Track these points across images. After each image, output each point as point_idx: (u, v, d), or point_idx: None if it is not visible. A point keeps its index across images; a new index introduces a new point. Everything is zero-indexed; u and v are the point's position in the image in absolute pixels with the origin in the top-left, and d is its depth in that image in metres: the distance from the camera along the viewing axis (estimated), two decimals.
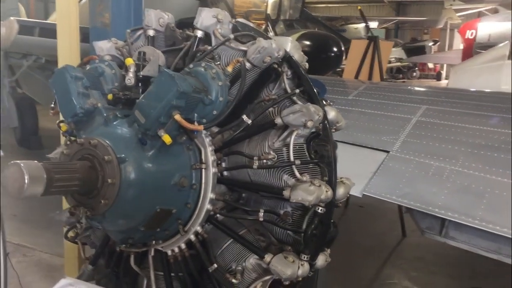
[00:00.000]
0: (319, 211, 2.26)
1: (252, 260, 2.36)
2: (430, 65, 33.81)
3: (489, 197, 3.49)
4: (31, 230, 5.55)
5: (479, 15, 29.67)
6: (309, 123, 2.22)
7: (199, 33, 2.48)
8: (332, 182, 2.31)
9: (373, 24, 29.53)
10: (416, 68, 32.04)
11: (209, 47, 2.42)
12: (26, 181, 1.88)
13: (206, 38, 2.51)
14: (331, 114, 2.44)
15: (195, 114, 2.23)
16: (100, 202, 2.11)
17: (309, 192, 2.16)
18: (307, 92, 2.40)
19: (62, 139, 3.03)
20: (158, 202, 2.25)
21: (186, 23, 2.79)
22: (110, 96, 2.39)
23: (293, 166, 2.24)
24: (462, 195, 3.53)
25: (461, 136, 4.17)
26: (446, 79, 32.85)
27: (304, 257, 2.28)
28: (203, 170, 2.31)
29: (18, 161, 1.93)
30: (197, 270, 2.46)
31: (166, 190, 2.26)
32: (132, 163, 2.16)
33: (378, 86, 5.65)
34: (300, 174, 2.24)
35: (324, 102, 2.48)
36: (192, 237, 2.38)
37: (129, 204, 2.16)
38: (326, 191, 2.21)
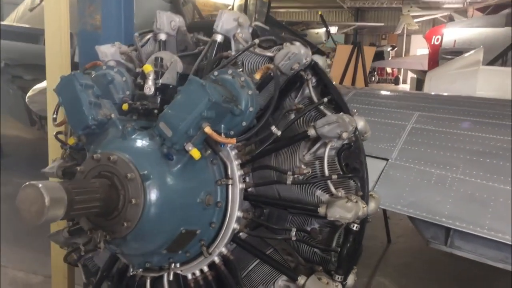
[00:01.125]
0: (354, 228, 2.11)
1: (281, 282, 2.20)
2: (388, 70, 34.52)
3: (494, 205, 3.44)
4: (3, 247, 5.18)
5: (434, 22, 30.51)
6: (344, 134, 2.07)
7: (219, 38, 2.29)
8: (366, 197, 2.18)
9: (333, 29, 29.81)
10: (375, 73, 32.62)
11: (232, 53, 2.24)
12: (47, 204, 1.65)
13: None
14: (360, 124, 2.30)
15: (222, 126, 2.04)
16: (122, 225, 1.90)
17: (347, 209, 2.02)
18: (335, 100, 2.25)
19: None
20: (183, 222, 2.05)
21: (195, 27, 2.60)
22: (125, 106, 2.18)
23: (329, 182, 2.08)
24: (467, 203, 3.48)
25: (458, 142, 4.13)
26: (403, 83, 33.63)
27: (338, 278, 2.13)
28: (230, 186, 2.13)
29: (34, 182, 1.70)
30: None
31: (191, 209, 2.06)
32: (156, 180, 1.95)
33: (366, 92, 5.57)
34: (335, 189, 2.10)
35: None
36: (216, 259, 2.19)
37: (153, 226, 1.96)
38: (363, 207, 2.08)
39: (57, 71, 3.21)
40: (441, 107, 4.86)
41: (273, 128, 2.12)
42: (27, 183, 1.71)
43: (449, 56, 11.52)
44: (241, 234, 2.22)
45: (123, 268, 2.40)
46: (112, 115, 2.17)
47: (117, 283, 2.46)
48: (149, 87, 2.10)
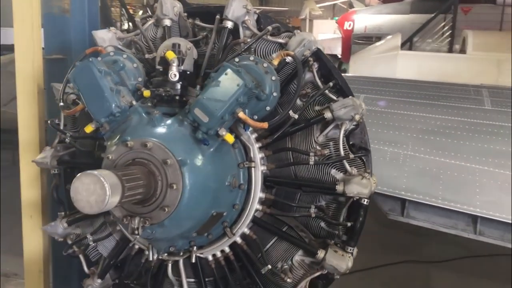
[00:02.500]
0: (365, 203, 2.28)
1: (297, 257, 2.33)
2: None
3: (444, 178, 3.80)
4: None
5: (334, 7, 31.71)
6: (357, 117, 2.24)
7: (229, 24, 2.34)
8: (371, 174, 2.36)
9: None
10: None
11: (247, 40, 2.30)
12: (108, 192, 1.65)
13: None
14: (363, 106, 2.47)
15: (246, 111, 2.12)
16: (163, 210, 1.93)
17: (363, 185, 2.19)
18: (339, 85, 2.39)
19: None
20: (213, 205, 2.12)
21: (190, 13, 2.61)
22: (147, 93, 2.17)
23: (344, 161, 2.24)
24: (420, 177, 3.80)
25: (404, 122, 4.49)
26: None
27: (350, 250, 2.30)
28: (252, 168, 2.21)
29: (90, 171, 1.69)
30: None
31: (221, 192, 2.13)
32: (192, 165, 2.00)
33: None
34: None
35: None
36: (238, 239, 2.28)
37: (189, 210, 2.00)
38: (374, 183, 2.26)
39: (29, 58, 3.07)
40: (382, 90, 5.21)
41: (291, 112, 2.23)
42: (82, 173, 1.70)
43: (361, 41, 12.16)
44: (257, 213, 2.31)
45: (138, 254, 2.41)
46: (134, 102, 2.16)
47: (129, 271, 2.46)
48: (174, 74, 2.11)
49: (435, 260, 5.49)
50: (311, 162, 2.21)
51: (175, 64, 2.12)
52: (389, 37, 8.84)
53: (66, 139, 2.48)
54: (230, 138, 2.03)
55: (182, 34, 2.50)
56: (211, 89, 1.99)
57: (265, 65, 2.14)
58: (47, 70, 3.26)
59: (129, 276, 2.50)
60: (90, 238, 2.49)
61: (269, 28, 2.30)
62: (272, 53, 2.32)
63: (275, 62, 2.21)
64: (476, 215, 3.56)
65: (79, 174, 1.70)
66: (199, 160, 2.03)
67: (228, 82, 1.97)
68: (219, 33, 2.42)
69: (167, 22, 2.44)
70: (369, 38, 12.15)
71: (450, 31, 11.07)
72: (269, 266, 2.26)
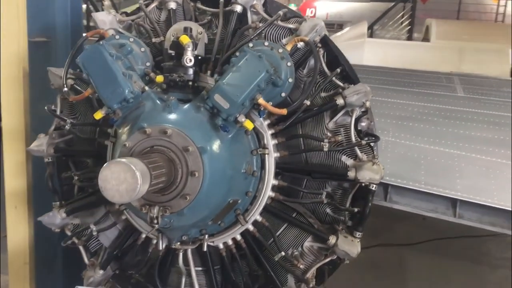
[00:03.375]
0: (373, 188, 2.31)
1: (307, 243, 2.34)
2: None
3: (425, 163, 3.90)
4: None
5: None
6: (367, 103, 2.26)
7: (239, 8, 2.29)
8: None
9: None
10: None
11: (259, 24, 2.26)
12: (139, 181, 1.60)
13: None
14: None
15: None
16: (185, 198, 1.89)
17: (375, 171, 2.21)
18: (345, 71, 2.38)
19: None
20: (230, 193, 2.09)
21: None
22: (160, 78, 2.11)
23: (356, 147, 2.25)
24: (402, 163, 3.89)
25: (383, 109, 4.56)
26: None
27: (358, 235, 2.33)
28: (266, 155, 2.19)
29: (118, 160, 1.63)
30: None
31: (237, 179, 2.11)
32: (212, 152, 1.96)
33: None
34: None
35: None
36: (250, 227, 2.26)
37: (208, 198, 1.98)
38: (382, 169, 2.29)
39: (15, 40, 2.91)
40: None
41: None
42: (110, 162, 1.63)
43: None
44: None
45: (145, 243, 2.36)
46: (146, 88, 2.09)
47: (135, 261, 2.41)
48: (190, 58, 2.05)
49: (407, 243, 5.65)
50: (325, 149, 2.21)
51: (190, 48, 2.06)
52: (355, 24, 8.95)
53: (66, 126, 2.38)
54: (249, 124, 2.00)
55: (186, 18, 2.43)
56: (231, 75, 1.95)
57: (280, 50, 2.11)
58: (30, 54, 3.11)
59: (133, 266, 2.44)
60: (94, 228, 2.41)
61: (280, 12, 2.27)
62: (282, 38, 2.29)
63: (288, 48, 2.19)
64: (455, 199, 3.66)
65: (107, 163, 1.64)
66: (218, 147, 2.00)
67: (249, 68, 1.94)
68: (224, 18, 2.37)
69: (172, 5, 2.36)
70: (331, 25, 12.29)
71: (409, 20, 11.35)
72: (283, 253, 2.26)
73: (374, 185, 2.29)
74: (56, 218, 2.47)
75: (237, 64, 1.95)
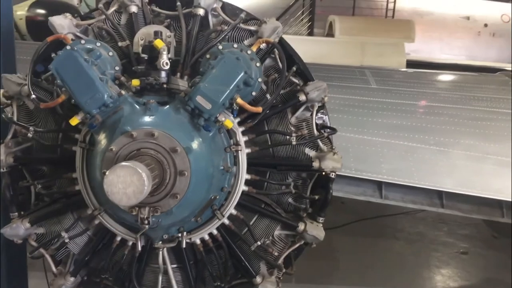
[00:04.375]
0: (333, 176, 2.51)
1: (277, 232, 2.49)
2: None
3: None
4: None
5: None
6: (326, 98, 2.45)
7: (201, 12, 2.37)
8: None
9: None
10: None
11: (224, 27, 2.36)
12: (146, 183, 1.66)
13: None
14: None
15: None
16: (175, 198, 1.96)
17: (336, 160, 2.42)
18: (300, 69, 2.55)
19: None
20: (211, 189, 2.18)
21: None
22: (136, 82, 2.14)
23: (318, 140, 2.44)
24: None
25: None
26: None
27: (321, 220, 2.53)
28: (239, 152, 2.30)
29: (124, 164, 1.67)
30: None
31: (217, 176, 2.20)
32: (196, 152, 2.05)
33: None
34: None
35: None
36: (226, 220, 2.36)
37: (195, 195, 2.06)
38: (341, 158, 2.50)
39: None
40: None
41: (268, 96, 2.36)
42: (115, 166, 1.67)
43: None
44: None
45: (119, 245, 2.37)
46: (123, 92, 2.11)
47: (108, 266, 2.41)
48: (166, 62, 2.10)
49: (332, 227, 6.01)
50: (294, 142, 2.36)
51: (165, 52, 2.11)
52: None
53: (29, 134, 2.32)
54: (229, 123, 2.10)
55: (146, 21, 2.46)
56: (211, 77, 2.03)
57: (249, 52, 2.23)
58: None
59: (105, 270, 2.44)
60: (66, 236, 2.37)
61: (242, 15, 2.39)
62: (243, 40, 2.41)
63: (254, 49, 2.31)
64: (381, 182, 4.00)
65: (113, 168, 1.67)
66: (200, 146, 2.08)
67: (228, 69, 2.04)
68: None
69: (133, 9, 2.38)
70: None
71: (309, 16, 11.87)
72: (259, 243, 2.39)
73: (334, 173, 2.50)
74: (19, 228, 2.39)
75: (216, 66, 2.04)
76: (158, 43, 2.12)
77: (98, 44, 2.21)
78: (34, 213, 2.45)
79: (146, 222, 1.96)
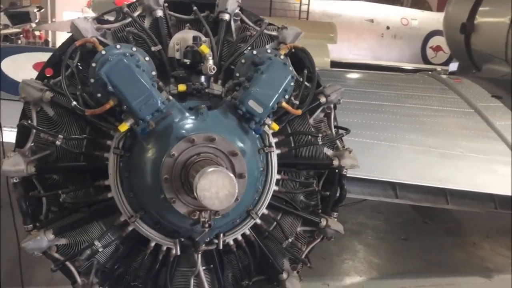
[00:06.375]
0: (345, 173, 2.68)
1: (299, 228, 2.61)
2: (37, 33, 32.53)
3: None
4: None
5: None
6: (341, 100, 2.62)
7: (227, 17, 2.43)
8: None
9: None
10: (21, 35, 30.33)
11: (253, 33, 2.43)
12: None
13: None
14: None
15: None
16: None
17: (353, 158, 2.60)
18: (310, 72, 2.67)
19: None
20: (255, 191, 2.25)
21: None
22: (182, 87, 2.15)
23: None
24: None
25: None
26: (53, 46, 32.27)
27: (335, 215, 2.69)
28: (272, 153, 2.38)
29: (214, 168, 1.71)
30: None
31: (258, 177, 2.27)
32: (249, 154, 2.12)
33: None
34: None
35: None
36: (258, 220, 2.43)
37: (248, 197, 2.14)
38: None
39: None
40: None
41: (293, 99, 2.47)
42: (205, 171, 1.70)
43: None
44: None
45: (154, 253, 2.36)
46: (170, 97, 2.12)
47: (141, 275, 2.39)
48: (213, 67, 2.13)
49: None
50: (320, 142, 2.50)
51: (211, 57, 2.15)
52: None
53: (57, 141, 2.23)
54: (275, 126, 2.19)
55: (168, 26, 2.45)
56: (262, 82, 2.11)
57: (282, 57, 2.33)
58: None
59: (136, 277, 2.41)
60: (99, 245, 2.31)
61: (266, 21, 2.48)
62: (265, 45, 2.50)
63: (282, 52, 2.40)
64: None
65: (204, 173, 1.70)
66: (250, 149, 2.15)
67: (276, 74, 2.13)
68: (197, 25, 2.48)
69: (160, 13, 2.38)
70: None
71: None
72: (290, 240, 2.50)
73: (346, 170, 2.67)
74: (43, 241, 2.29)
75: (266, 71, 2.12)
76: (204, 48, 2.15)
77: (134, 49, 2.19)
78: (54, 223, 2.35)
79: (207, 225, 1.98)
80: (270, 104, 2.11)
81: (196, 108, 2.11)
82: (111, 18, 2.47)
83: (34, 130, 2.27)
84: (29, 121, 2.27)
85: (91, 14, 14.80)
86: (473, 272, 5.09)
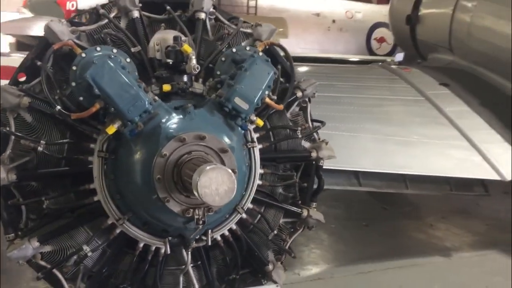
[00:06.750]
0: (322, 164, 2.77)
1: (281, 220, 2.68)
2: None
3: None
4: None
5: None
6: (316, 94, 2.70)
7: (203, 15, 2.46)
8: None
9: None
10: None
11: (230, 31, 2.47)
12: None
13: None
14: None
15: None
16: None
17: (330, 149, 2.70)
18: (283, 68, 2.73)
19: None
20: (244, 185, 2.30)
21: None
22: (167, 87, 2.16)
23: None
24: None
25: None
26: None
27: (314, 205, 2.78)
28: (254, 148, 2.43)
29: (213, 166, 1.75)
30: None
31: (246, 171, 2.32)
32: (237, 151, 2.16)
33: None
34: None
35: None
36: (244, 215, 2.48)
37: (238, 193, 2.15)
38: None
39: None
40: None
41: (271, 95, 2.52)
42: (204, 169, 1.73)
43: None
44: None
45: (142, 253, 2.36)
46: (156, 98, 2.12)
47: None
48: (197, 66, 2.16)
49: None
50: (300, 135, 2.57)
51: (194, 57, 2.17)
52: None
53: (39, 147, 2.19)
54: (260, 122, 2.24)
55: (143, 27, 2.45)
56: (246, 79, 2.15)
57: (261, 53, 2.38)
58: None
59: (125, 279, 2.40)
60: (88, 249, 2.28)
61: (242, 19, 2.52)
62: (240, 43, 2.54)
63: (260, 49, 2.45)
64: None
65: (203, 171, 1.73)
66: (237, 145, 2.20)
67: (260, 71, 2.18)
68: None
69: (136, 14, 2.37)
70: None
71: None
72: (275, 232, 2.56)
73: (322, 161, 2.75)
74: (28, 249, 2.25)
75: (249, 68, 2.16)
76: (187, 48, 2.16)
77: (115, 50, 2.18)
78: (37, 230, 2.31)
79: (201, 222, 2.01)
80: (255, 100, 2.16)
81: (183, 107, 2.13)
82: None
83: (13, 137, 2.22)
84: (7, 128, 2.21)
85: (28, 14, 14.35)
86: (433, 252, 5.32)
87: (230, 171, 1.78)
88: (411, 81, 5.79)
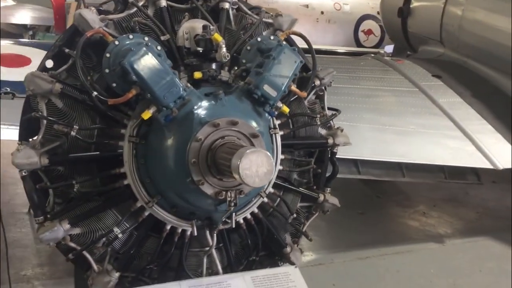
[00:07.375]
0: (336, 151, 2.88)
1: (298, 204, 2.78)
2: None
3: None
4: None
5: None
6: (332, 83, 2.80)
7: (227, 5, 2.53)
8: None
9: None
10: None
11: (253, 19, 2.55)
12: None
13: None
14: None
15: None
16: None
17: (346, 136, 2.80)
18: (313, 57, 2.78)
19: None
20: None
21: None
22: (199, 75, 2.23)
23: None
24: None
25: None
26: None
27: (328, 190, 2.89)
28: (277, 134, 2.52)
29: (253, 149, 1.84)
30: None
31: (272, 156, 2.40)
32: (265, 136, 2.25)
33: None
34: None
35: None
36: (265, 199, 2.57)
37: None
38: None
39: None
40: None
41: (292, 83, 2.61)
42: (244, 152, 1.81)
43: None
44: None
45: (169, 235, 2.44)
46: (188, 84, 2.20)
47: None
48: (227, 55, 2.23)
49: None
50: (319, 123, 2.66)
51: (224, 46, 2.24)
52: None
53: (72, 132, 2.25)
54: (286, 109, 2.33)
55: (170, 15, 2.51)
56: (274, 67, 2.24)
57: (284, 43, 2.46)
58: None
59: (151, 260, 2.48)
60: (119, 231, 2.36)
61: (264, 9, 2.60)
62: (262, 32, 2.62)
63: (282, 38, 2.54)
64: None
65: (244, 153, 1.81)
66: (265, 131, 2.29)
67: (287, 59, 2.27)
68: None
69: (164, 3, 2.43)
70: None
71: None
72: (294, 215, 2.66)
73: (337, 148, 2.86)
74: (60, 231, 2.31)
75: (277, 57, 2.25)
76: (217, 37, 2.24)
77: (146, 39, 2.24)
78: (66, 213, 2.37)
79: (232, 204, 2.10)
80: (283, 88, 2.25)
81: (214, 94, 2.21)
82: None
83: (45, 122, 2.27)
84: (40, 113, 2.27)
85: (10, 2, 14.17)
86: (427, 238, 5.50)
87: (269, 154, 1.87)
88: (404, 72, 5.91)
